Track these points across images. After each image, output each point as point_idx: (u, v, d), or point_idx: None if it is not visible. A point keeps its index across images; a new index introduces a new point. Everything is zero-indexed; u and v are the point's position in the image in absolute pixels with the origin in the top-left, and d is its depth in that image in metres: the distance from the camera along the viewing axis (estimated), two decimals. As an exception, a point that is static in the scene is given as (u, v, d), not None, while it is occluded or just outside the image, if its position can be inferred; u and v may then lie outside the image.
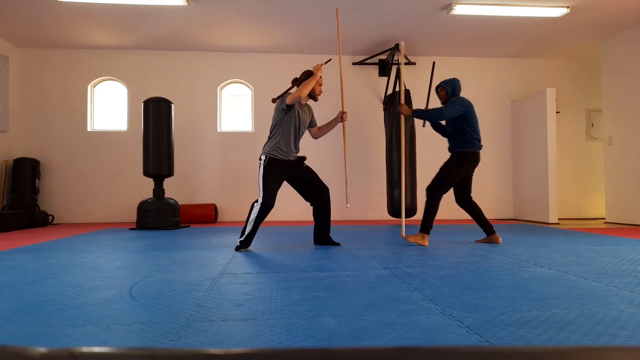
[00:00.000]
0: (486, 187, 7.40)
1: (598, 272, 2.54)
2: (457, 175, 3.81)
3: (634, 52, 6.09)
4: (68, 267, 2.82)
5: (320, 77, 3.65)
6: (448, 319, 1.65)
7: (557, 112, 7.10)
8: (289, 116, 3.58)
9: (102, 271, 2.67)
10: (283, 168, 3.59)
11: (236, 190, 7.06)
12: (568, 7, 5.40)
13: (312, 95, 3.67)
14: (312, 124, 3.85)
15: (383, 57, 7.04)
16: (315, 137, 3.93)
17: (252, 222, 3.53)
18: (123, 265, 2.91)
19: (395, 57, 6.69)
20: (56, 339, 1.45)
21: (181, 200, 6.79)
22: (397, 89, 6.39)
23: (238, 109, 7.38)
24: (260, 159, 3.59)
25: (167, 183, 6.15)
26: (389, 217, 6.91)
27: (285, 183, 3.73)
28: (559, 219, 6.68)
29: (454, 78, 3.97)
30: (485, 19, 5.79)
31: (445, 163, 3.86)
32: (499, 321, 1.62)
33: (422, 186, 7.05)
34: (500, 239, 3.94)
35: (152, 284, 2.30)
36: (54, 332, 1.52)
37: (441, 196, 3.80)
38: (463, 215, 7.30)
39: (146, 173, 5.69)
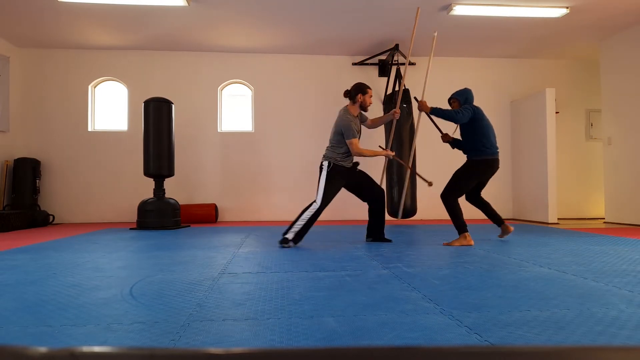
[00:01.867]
0: (486, 187, 7.40)
1: (597, 272, 2.54)
2: (469, 181, 3.89)
3: (633, 52, 6.10)
4: (68, 267, 2.82)
5: (371, 89, 3.91)
6: (448, 318, 1.65)
7: (557, 112, 7.10)
8: None
9: (103, 271, 2.67)
10: (343, 175, 3.82)
11: (237, 190, 7.07)
12: (567, 8, 5.40)
13: (363, 107, 3.92)
14: (362, 120, 4.05)
15: (383, 57, 7.04)
16: (370, 127, 4.20)
17: (305, 221, 3.71)
18: (123, 265, 2.92)
19: (395, 58, 6.69)
20: (56, 339, 1.46)
21: (181, 200, 6.79)
22: (396, 89, 6.39)
23: (238, 109, 7.38)
24: (322, 165, 3.80)
25: (168, 183, 6.15)
26: (388, 217, 6.90)
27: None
28: (558, 218, 6.68)
29: (465, 88, 4.02)
30: (485, 19, 5.79)
31: (459, 169, 3.92)
32: (499, 321, 1.62)
33: (421, 187, 7.06)
34: (511, 227, 4.11)
35: (152, 283, 2.30)
36: (55, 331, 1.53)
37: (457, 199, 3.85)
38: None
39: (146, 173, 5.69)
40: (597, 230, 5.23)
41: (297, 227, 3.71)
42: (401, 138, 6.11)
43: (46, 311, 1.77)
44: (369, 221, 4.05)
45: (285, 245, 3.72)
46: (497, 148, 3.90)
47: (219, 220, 7.00)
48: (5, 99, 6.45)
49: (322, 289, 2.16)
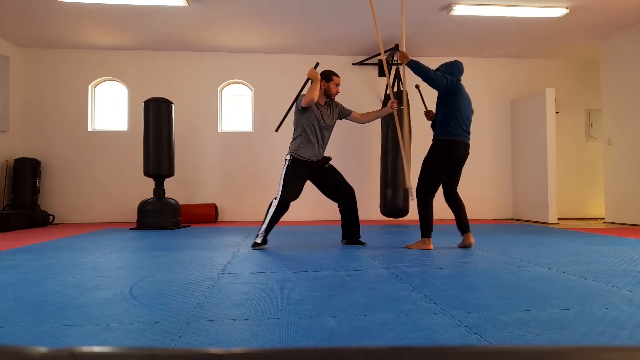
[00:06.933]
0: (485, 187, 7.41)
1: (597, 272, 2.54)
2: (436, 167, 3.48)
3: (633, 52, 6.10)
4: (68, 266, 2.82)
5: (338, 77, 3.72)
6: (448, 318, 1.65)
7: (557, 112, 7.10)
8: (308, 117, 3.61)
9: (103, 271, 2.67)
10: (305, 168, 3.66)
11: (237, 190, 7.07)
12: (567, 8, 5.41)
13: (328, 95, 3.73)
14: (344, 114, 3.84)
15: (383, 57, 7.04)
16: (360, 122, 3.96)
17: (269, 219, 3.60)
18: (123, 265, 2.92)
19: (395, 58, 6.69)
20: (56, 339, 1.45)
21: (181, 200, 6.79)
22: (395, 90, 6.39)
23: (238, 109, 7.38)
24: (285, 158, 3.68)
25: (168, 183, 6.15)
26: (384, 217, 6.92)
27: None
28: (558, 218, 6.68)
29: (455, 61, 3.67)
30: (484, 19, 5.79)
31: (425, 157, 3.57)
32: (499, 321, 1.62)
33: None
34: (472, 240, 3.58)
35: (152, 283, 2.30)
36: (55, 331, 1.53)
37: (429, 195, 3.50)
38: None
39: (146, 173, 5.70)
40: (597, 230, 5.23)
41: (264, 226, 3.61)
42: (396, 139, 6.07)
43: (46, 311, 1.77)
44: (342, 223, 3.86)
45: (257, 248, 3.62)
46: (464, 131, 3.47)
47: (219, 220, 7.00)
48: (6, 99, 6.45)
49: (322, 289, 2.16)
